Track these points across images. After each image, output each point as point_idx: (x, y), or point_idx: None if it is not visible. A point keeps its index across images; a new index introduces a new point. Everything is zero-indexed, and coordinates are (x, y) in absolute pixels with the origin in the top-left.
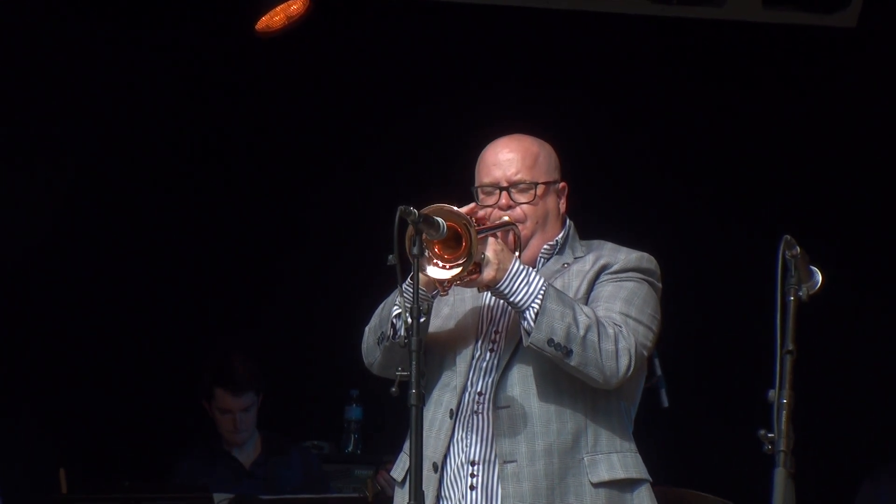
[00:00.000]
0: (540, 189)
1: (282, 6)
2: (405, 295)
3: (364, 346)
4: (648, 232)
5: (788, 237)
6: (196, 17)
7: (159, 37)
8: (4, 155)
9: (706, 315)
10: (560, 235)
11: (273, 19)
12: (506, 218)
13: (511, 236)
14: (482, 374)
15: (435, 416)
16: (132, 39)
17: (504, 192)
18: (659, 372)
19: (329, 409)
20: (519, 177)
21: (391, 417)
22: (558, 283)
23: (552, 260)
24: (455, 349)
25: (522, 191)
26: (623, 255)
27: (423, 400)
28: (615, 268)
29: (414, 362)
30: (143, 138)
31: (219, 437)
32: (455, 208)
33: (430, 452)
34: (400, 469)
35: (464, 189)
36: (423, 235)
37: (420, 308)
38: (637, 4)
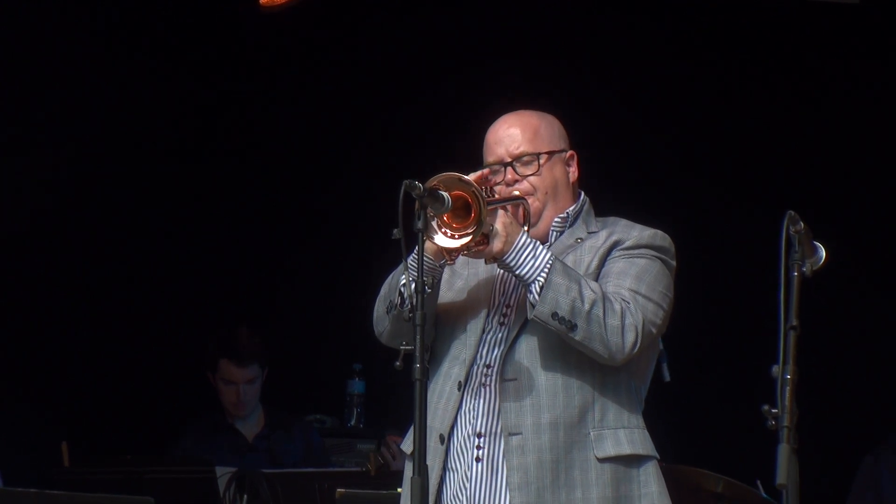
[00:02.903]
0: (543, 159)
1: None
2: (411, 269)
3: (374, 315)
4: (652, 208)
5: (792, 213)
6: None
7: (161, 11)
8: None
9: (710, 290)
10: (572, 208)
11: None
12: (516, 192)
13: (521, 210)
14: (491, 346)
15: (443, 388)
16: (133, 11)
17: (509, 168)
18: (661, 346)
19: (332, 382)
20: (521, 150)
21: (394, 391)
22: (570, 258)
23: (565, 234)
24: (466, 322)
25: (526, 163)
26: (636, 232)
27: (426, 374)
28: (627, 244)
29: (418, 336)
30: (150, 115)
31: (222, 411)
32: (465, 176)
33: (438, 424)
34: (409, 441)
35: (473, 169)
36: (429, 209)
37: (425, 281)
38: None
